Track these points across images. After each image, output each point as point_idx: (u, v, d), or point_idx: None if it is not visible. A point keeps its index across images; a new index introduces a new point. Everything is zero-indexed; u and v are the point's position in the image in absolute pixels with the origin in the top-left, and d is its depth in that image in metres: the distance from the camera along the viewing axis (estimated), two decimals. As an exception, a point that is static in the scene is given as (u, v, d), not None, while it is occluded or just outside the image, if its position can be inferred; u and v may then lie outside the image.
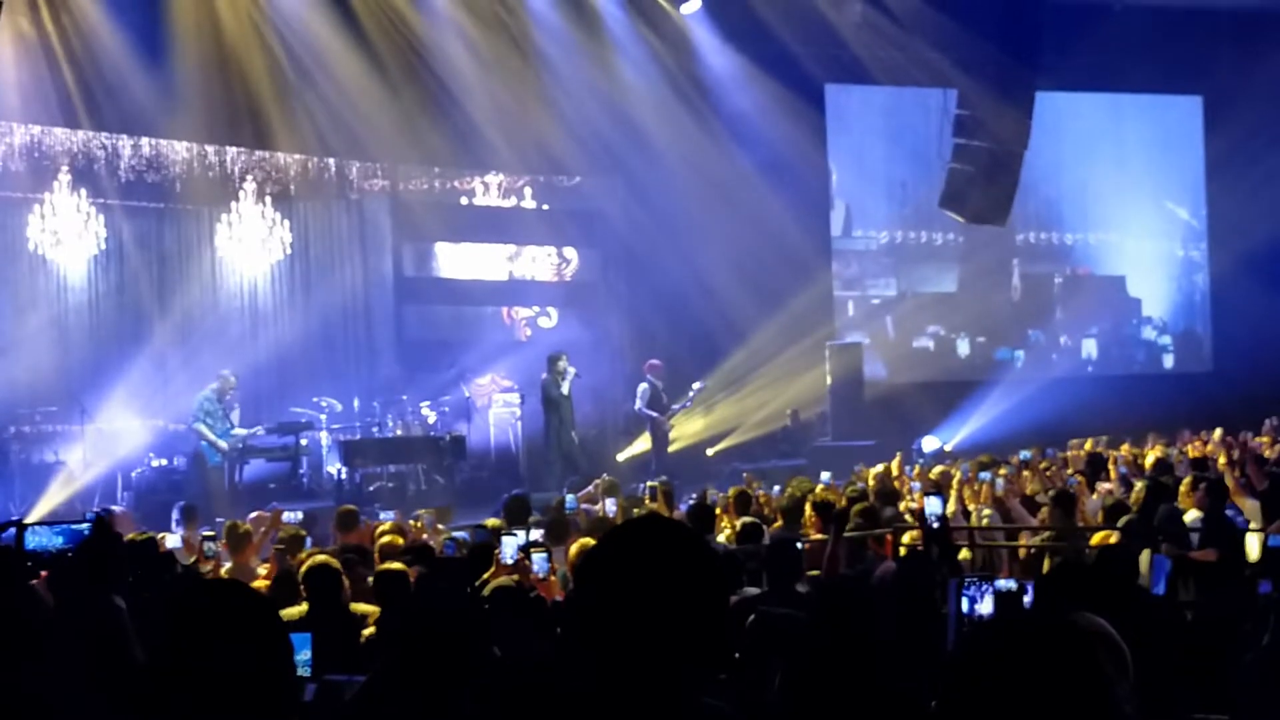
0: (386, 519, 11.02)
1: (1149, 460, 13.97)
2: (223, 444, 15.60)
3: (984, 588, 4.78)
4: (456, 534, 8.94)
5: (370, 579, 7.27)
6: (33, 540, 6.24)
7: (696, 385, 19.21)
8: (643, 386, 18.48)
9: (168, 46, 16.46)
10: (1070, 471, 13.53)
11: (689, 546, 2.23)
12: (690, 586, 2.17)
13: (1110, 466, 13.28)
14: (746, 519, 9.95)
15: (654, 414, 18.41)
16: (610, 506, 11.24)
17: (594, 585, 2.21)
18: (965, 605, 4.81)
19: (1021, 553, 10.26)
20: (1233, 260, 23.33)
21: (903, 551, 8.78)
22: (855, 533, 9.70)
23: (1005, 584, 5.03)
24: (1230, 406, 19.30)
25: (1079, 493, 11.13)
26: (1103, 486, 11.56)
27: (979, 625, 4.85)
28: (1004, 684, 2.08)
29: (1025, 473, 13.33)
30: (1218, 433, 16.74)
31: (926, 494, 7.98)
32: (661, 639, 2.13)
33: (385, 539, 8.83)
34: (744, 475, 13.37)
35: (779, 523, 10.32)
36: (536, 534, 8.97)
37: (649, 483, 12.89)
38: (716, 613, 2.22)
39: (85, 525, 6.20)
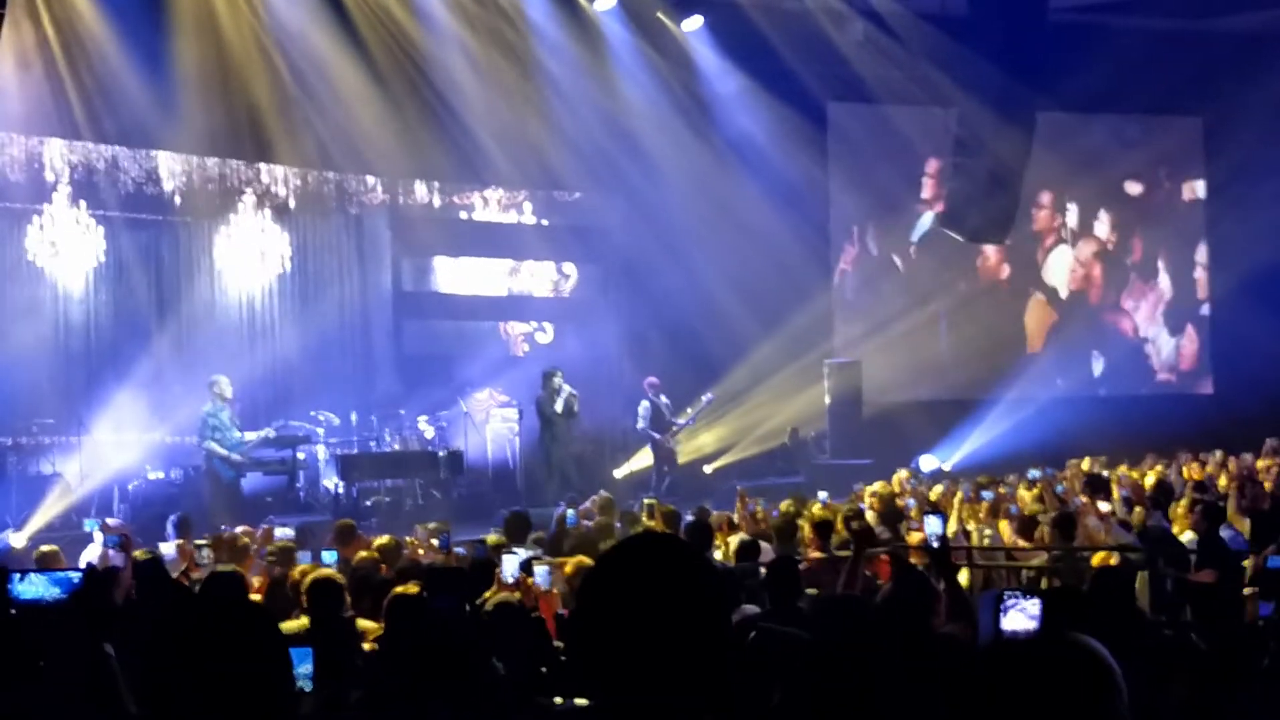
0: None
1: (1148, 482, 13.98)
2: (236, 458, 15.49)
3: (1014, 601, 4.75)
4: (457, 550, 8.90)
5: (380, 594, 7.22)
6: (29, 590, 6.16)
7: (706, 396, 19.01)
8: (644, 405, 18.38)
9: (168, 59, 16.44)
10: (1072, 493, 13.50)
11: (690, 563, 2.19)
12: (691, 604, 2.15)
13: (1114, 487, 13.28)
14: (743, 536, 9.93)
15: (655, 435, 18.29)
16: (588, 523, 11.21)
17: (594, 603, 2.19)
18: (998, 621, 4.79)
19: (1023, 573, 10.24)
20: (1232, 282, 23.38)
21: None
22: (847, 552, 9.68)
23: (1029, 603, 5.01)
24: (1229, 428, 19.31)
25: (1082, 513, 11.12)
26: (1103, 507, 11.54)
27: (996, 644, 4.82)
28: (1003, 703, 2.10)
29: (1024, 492, 13.34)
30: (1218, 454, 16.77)
31: (927, 513, 7.96)
32: (662, 657, 2.11)
33: (363, 555, 8.75)
34: (738, 490, 13.26)
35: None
36: (536, 551, 8.96)
37: (646, 500, 12.83)
38: (718, 630, 2.20)
39: (78, 574, 6.13)
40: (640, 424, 18.41)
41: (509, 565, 7.53)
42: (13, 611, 6.05)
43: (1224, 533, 10.19)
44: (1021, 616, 4.73)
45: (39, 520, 14.34)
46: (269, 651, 2.43)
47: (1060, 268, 24.71)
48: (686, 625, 2.13)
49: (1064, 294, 24.75)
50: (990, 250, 23.49)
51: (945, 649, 5.54)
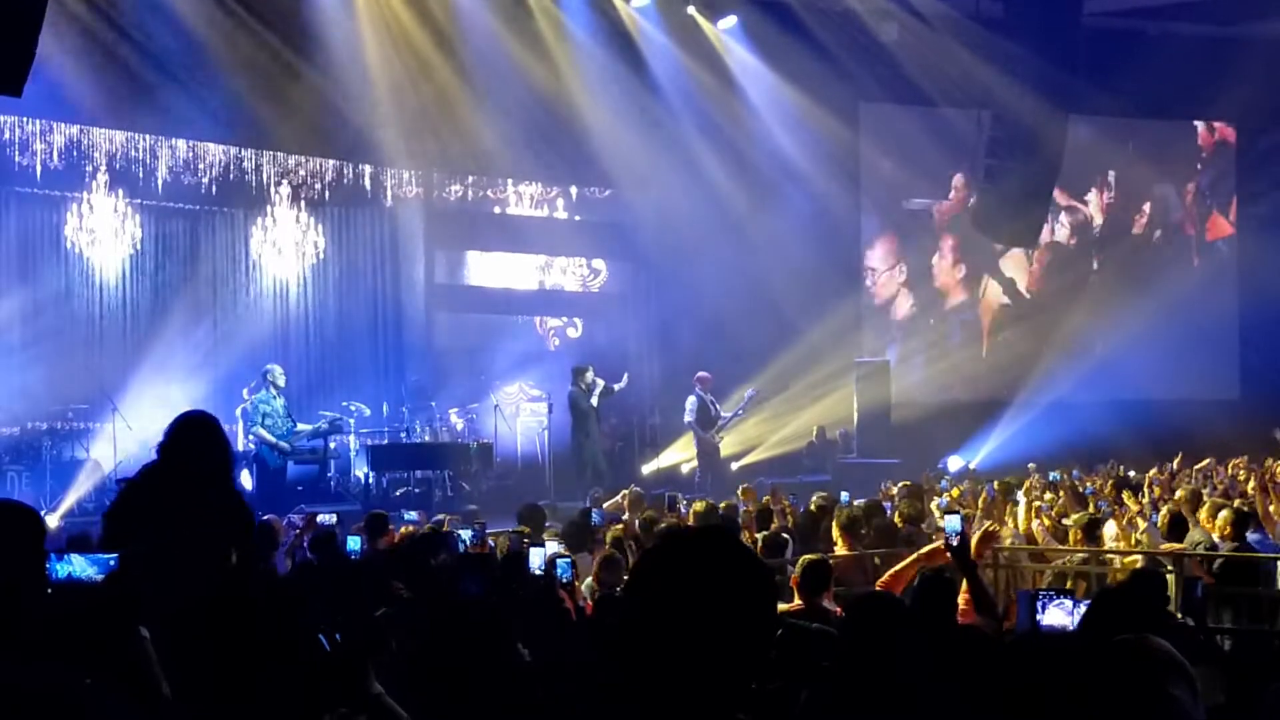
0: (411, 521, 11.15)
1: (1178, 485, 13.97)
2: (285, 445, 15.57)
3: (1050, 598, 4.84)
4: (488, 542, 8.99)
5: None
6: (66, 569, 6.23)
7: (749, 391, 18.92)
8: (691, 400, 18.22)
9: (210, 51, 16.53)
10: (1102, 494, 13.51)
11: (742, 558, 2.19)
12: (743, 598, 2.14)
13: (1146, 490, 13.30)
14: (769, 533, 9.97)
15: (701, 430, 18.21)
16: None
17: (643, 594, 2.17)
18: (1035, 617, 4.88)
19: (1048, 574, 10.26)
20: (1261, 288, 23.29)
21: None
22: (875, 550, 9.71)
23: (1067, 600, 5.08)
24: (1256, 434, 19.24)
25: (1115, 517, 11.14)
26: (1132, 508, 11.57)
27: (1045, 639, 4.88)
28: (1073, 699, 2.08)
29: (1050, 495, 13.33)
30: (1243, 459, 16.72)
31: (946, 512, 8.02)
32: (710, 651, 2.11)
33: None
34: (771, 486, 13.26)
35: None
36: (553, 544, 9.01)
37: (669, 494, 12.89)
38: (766, 626, 2.19)
39: (114, 557, 6.20)
40: (687, 418, 18.34)
41: (535, 557, 7.61)
42: (49, 591, 6.13)
43: (1250, 536, 10.18)
44: (1060, 612, 4.79)
45: (69, 500, 14.52)
46: (296, 638, 2.48)
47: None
48: (736, 619, 2.12)
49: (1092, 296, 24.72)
50: (1017, 254, 23.44)
51: (970, 644, 5.59)
